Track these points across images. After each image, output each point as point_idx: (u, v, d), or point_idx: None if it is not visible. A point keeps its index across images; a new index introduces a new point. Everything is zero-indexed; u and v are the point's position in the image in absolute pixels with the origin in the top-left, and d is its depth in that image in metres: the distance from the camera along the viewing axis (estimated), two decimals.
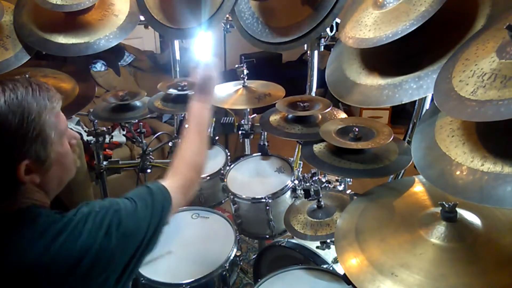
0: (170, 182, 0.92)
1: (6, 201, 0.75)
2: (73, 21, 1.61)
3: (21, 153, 0.72)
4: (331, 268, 1.29)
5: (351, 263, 0.90)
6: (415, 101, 1.22)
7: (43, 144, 0.75)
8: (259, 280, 1.25)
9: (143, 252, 0.81)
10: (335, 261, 1.38)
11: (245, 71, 1.64)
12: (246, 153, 1.97)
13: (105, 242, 0.73)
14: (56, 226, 0.72)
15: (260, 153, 1.68)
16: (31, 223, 0.73)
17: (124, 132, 2.87)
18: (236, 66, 1.67)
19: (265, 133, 1.67)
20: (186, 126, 1.06)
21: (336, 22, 1.35)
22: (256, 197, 1.43)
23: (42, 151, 0.75)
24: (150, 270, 1.28)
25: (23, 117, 0.72)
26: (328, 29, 1.38)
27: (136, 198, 0.84)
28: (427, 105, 1.27)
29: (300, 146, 1.41)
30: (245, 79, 1.65)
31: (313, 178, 1.44)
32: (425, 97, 1.22)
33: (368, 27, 1.09)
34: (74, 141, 0.86)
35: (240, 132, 1.75)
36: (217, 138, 1.83)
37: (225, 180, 1.56)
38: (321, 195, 1.26)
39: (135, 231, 0.79)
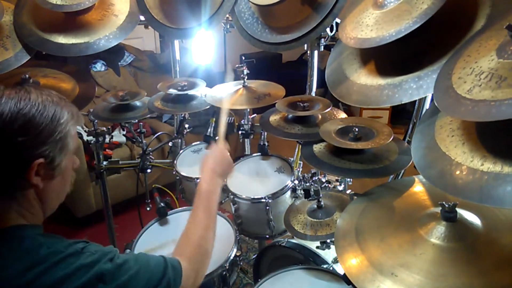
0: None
1: (4, 202, 0.75)
2: (73, 21, 1.61)
3: (41, 150, 0.75)
4: (331, 268, 1.29)
5: (351, 263, 0.90)
6: (415, 101, 1.22)
7: (61, 150, 0.79)
8: (259, 280, 1.25)
9: None
10: (335, 261, 1.38)
11: (246, 71, 1.64)
12: (246, 153, 1.97)
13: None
14: (39, 252, 0.72)
15: (260, 153, 1.68)
16: (14, 243, 0.73)
17: (124, 132, 2.87)
18: (236, 66, 1.67)
19: (265, 133, 1.67)
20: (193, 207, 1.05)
21: (336, 22, 1.35)
22: (256, 197, 1.43)
23: (57, 156, 0.78)
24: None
25: (54, 118, 0.76)
26: (328, 29, 1.38)
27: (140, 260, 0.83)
28: (427, 105, 1.27)
29: (300, 146, 1.41)
30: (245, 79, 1.66)
31: (313, 178, 1.44)
32: (425, 97, 1.22)
33: (370, 27, 1.09)
34: (75, 165, 0.89)
35: (240, 132, 1.75)
36: (217, 138, 1.83)
37: (225, 180, 1.56)
38: (321, 195, 1.26)
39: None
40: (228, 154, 1.17)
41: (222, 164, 1.13)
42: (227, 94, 1.60)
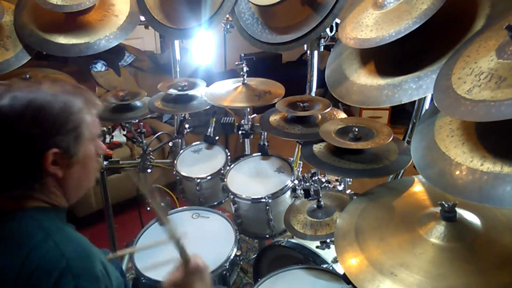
0: None
1: (23, 190, 0.76)
2: (73, 21, 1.61)
3: (54, 141, 0.75)
4: (331, 268, 1.30)
5: (350, 262, 0.90)
6: (415, 101, 1.22)
7: (75, 140, 0.78)
8: (259, 279, 1.25)
9: None
10: (335, 260, 1.38)
11: (245, 68, 1.64)
12: (246, 153, 1.97)
13: None
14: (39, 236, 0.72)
15: (260, 153, 1.68)
16: (20, 224, 0.74)
17: (125, 132, 2.87)
18: (236, 63, 1.67)
19: (265, 133, 1.67)
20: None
21: (336, 22, 1.35)
22: (256, 197, 1.43)
23: (72, 146, 0.78)
24: (150, 269, 1.28)
25: (66, 109, 0.76)
26: (328, 29, 1.39)
27: None
28: (426, 105, 1.27)
29: (300, 146, 1.41)
30: (245, 77, 1.65)
31: (313, 178, 1.44)
32: (425, 97, 1.22)
33: (370, 27, 1.09)
34: (101, 151, 0.88)
35: (240, 132, 1.75)
36: (217, 138, 1.83)
37: (225, 180, 1.56)
38: (320, 195, 1.26)
39: None
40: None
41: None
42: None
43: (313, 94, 1.69)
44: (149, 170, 1.90)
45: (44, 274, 0.68)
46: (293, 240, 1.48)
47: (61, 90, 0.77)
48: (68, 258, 0.70)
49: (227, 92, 1.66)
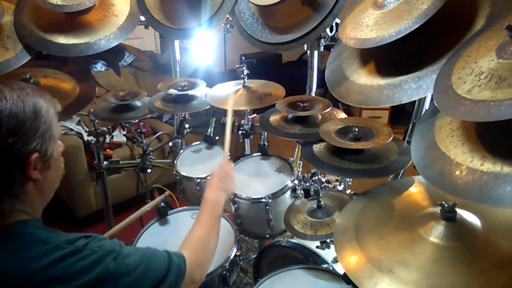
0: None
1: (9, 203, 0.76)
2: (73, 21, 1.61)
3: (33, 146, 0.75)
4: (331, 268, 1.30)
5: (349, 259, 0.90)
6: (415, 101, 1.22)
7: (50, 140, 0.79)
8: (259, 279, 1.25)
9: None
10: (335, 260, 1.38)
11: (245, 71, 1.64)
12: (246, 153, 1.97)
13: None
14: (38, 248, 0.72)
15: (260, 153, 1.68)
16: (15, 239, 0.74)
17: (125, 132, 2.87)
18: (237, 66, 1.67)
19: (265, 133, 1.67)
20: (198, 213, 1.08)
21: (336, 23, 1.36)
22: (256, 197, 1.43)
23: (49, 147, 0.78)
24: None
25: (36, 111, 0.75)
26: (328, 30, 1.39)
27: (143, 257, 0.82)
28: (426, 105, 1.27)
29: (300, 146, 1.41)
30: (245, 79, 1.66)
31: (313, 178, 1.44)
32: (425, 97, 1.22)
33: (370, 27, 1.09)
34: (61, 149, 0.88)
35: (240, 132, 1.75)
36: (217, 138, 1.83)
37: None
38: (320, 195, 1.26)
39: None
40: (233, 173, 1.22)
41: (225, 182, 1.17)
42: (230, 95, 1.60)
43: (313, 94, 1.69)
44: (149, 170, 1.90)
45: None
46: (293, 240, 1.48)
47: (24, 94, 0.76)
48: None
49: (227, 95, 1.66)
